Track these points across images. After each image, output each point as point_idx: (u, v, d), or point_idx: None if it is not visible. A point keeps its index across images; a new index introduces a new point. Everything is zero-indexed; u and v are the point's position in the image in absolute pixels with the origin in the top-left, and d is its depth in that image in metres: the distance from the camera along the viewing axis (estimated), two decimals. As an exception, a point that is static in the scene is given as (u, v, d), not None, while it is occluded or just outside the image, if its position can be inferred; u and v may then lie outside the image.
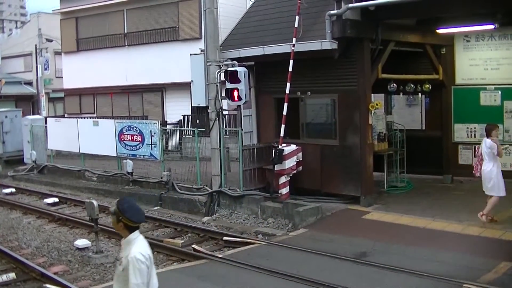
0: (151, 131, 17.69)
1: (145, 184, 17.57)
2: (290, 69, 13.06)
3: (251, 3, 20.94)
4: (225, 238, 11.78)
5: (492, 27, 14.17)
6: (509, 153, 14.92)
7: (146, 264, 4.70)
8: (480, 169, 11.25)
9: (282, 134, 13.20)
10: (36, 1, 49.14)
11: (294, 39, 13.00)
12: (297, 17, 13.05)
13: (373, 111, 13.45)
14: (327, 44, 12.54)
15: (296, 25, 12.95)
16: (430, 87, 15.17)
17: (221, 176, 14.74)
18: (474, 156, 15.37)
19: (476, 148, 15.38)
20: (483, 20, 13.75)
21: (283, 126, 13.19)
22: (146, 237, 5.01)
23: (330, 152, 13.79)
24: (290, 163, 13.41)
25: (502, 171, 11.19)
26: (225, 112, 15.58)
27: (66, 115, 31.27)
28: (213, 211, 14.56)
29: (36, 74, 37.73)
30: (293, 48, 13.01)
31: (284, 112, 13.26)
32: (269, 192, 13.82)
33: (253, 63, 15.27)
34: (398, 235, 10.94)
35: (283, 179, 13.48)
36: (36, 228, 14.09)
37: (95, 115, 28.80)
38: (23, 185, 21.01)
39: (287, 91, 13.18)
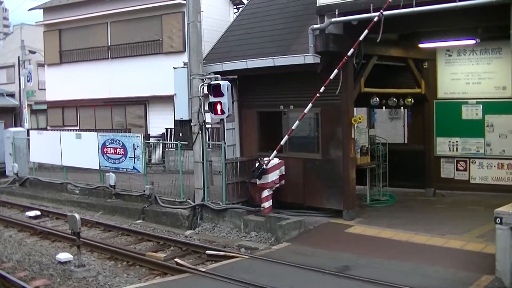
0: (134, 144, 17.61)
1: (128, 198, 17.47)
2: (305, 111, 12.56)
3: (234, 16, 21.04)
4: (208, 251, 11.72)
5: (473, 42, 14.40)
6: (491, 166, 15.06)
7: None
8: None
9: (272, 157, 13.11)
10: (19, 12, 49.06)
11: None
12: (335, 71, 12.13)
13: (355, 125, 13.48)
14: (310, 58, 12.58)
15: (331, 77, 12.06)
16: (413, 101, 15.29)
17: (204, 190, 14.70)
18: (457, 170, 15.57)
19: (457, 162, 15.61)
20: (465, 35, 13.93)
21: (275, 152, 13.02)
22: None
23: (313, 166, 13.81)
24: (273, 176, 13.40)
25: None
26: (208, 126, 15.55)
27: (48, 128, 31.07)
28: (196, 225, 14.51)
29: (18, 86, 37.51)
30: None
31: (282, 143, 12.97)
32: (252, 206, 13.79)
33: (236, 76, 15.30)
34: (381, 249, 10.95)
35: (266, 193, 13.47)
36: (17, 241, 13.93)
37: (78, 128, 28.68)
38: (5, 198, 20.78)
39: (293, 127, 12.81)
